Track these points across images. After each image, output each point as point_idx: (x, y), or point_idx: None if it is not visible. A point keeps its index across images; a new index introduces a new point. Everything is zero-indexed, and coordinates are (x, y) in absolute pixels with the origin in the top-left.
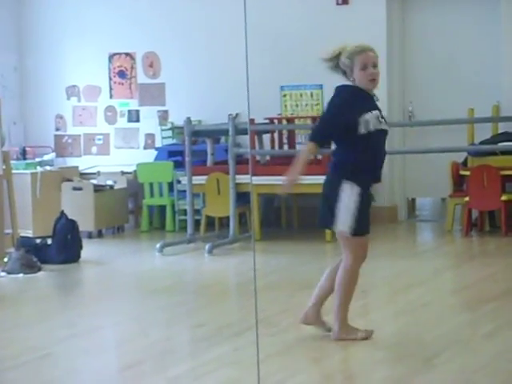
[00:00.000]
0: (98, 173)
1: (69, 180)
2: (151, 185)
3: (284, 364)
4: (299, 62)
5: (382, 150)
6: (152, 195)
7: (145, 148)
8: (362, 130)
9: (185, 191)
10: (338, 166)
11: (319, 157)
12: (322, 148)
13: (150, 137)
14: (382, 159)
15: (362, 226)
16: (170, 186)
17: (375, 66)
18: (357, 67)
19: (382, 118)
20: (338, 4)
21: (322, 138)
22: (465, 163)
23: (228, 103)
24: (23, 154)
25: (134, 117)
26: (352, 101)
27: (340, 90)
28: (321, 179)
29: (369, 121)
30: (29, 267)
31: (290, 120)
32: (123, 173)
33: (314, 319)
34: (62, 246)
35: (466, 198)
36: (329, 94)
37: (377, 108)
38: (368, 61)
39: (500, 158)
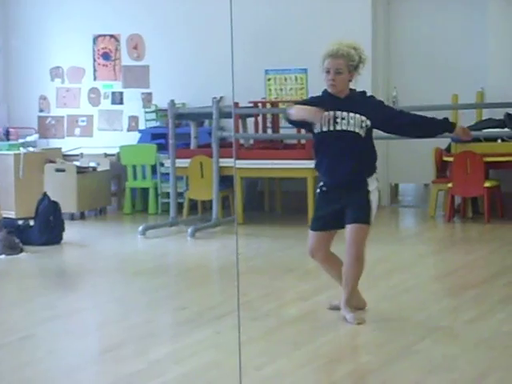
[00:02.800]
0: (81, 154)
1: (52, 161)
2: (134, 167)
3: (265, 348)
4: (284, 46)
5: (336, 150)
6: (135, 178)
7: (128, 130)
8: (316, 129)
9: (168, 174)
10: None
11: (303, 141)
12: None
13: (134, 119)
14: (339, 161)
15: (313, 221)
16: (153, 168)
17: (339, 72)
18: (322, 70)
19: (343, 119)
20: None
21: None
22: (448, 149)
23: (212, 86)
24: (6, 135)
25: (117, 99)
26: (314, 101)
27: None
28: (304, 164)
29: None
30: (11, 248)
31: (274, 104)
32: (106, 155)
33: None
34: (44, 227)
35: (449, 184)
36: (313, 78)
37: (341, 109)
38: (331, 66)
39: (483, 145)
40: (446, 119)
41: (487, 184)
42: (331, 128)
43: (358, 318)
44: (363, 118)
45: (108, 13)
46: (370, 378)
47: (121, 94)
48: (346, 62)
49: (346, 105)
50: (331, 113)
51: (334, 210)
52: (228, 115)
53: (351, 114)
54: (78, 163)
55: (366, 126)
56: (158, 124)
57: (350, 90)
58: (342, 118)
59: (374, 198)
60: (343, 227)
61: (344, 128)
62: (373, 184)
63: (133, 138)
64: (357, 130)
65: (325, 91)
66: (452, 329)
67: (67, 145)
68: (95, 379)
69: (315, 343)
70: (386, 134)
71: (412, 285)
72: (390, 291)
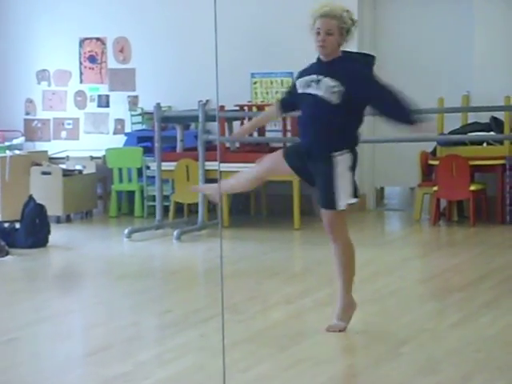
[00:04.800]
0: (67, 157)
1: (38, 164)
2: (120, 170)
3: (250, 351)
4: (270, 49)
5: (306, 113)
6: (121, 181)
7: (114, 133)
8: (298, 90)
9: (154, 177)
10: None
11: (289, 144)
12: (286, 112)
13: (120, 122)
14: (306, 125)
15: (289, 149)
16: (139, 171)
17: (329, 33)
18: (311, 30)
19: (317, 82)
20: None
21: (282, 100)
22: (434, 153)
23: (198, 90)
24: None
25: (103, 102)
26: (305, 69)
27: None
28: None
29: (299, 84)
30: None
31: (260, 107)
32: (92, 158)
33: None
34: (30, 230)
35: (435, 188)
36: None
37: (318, 73)
38: (321, 27)
39: (469, 148)
40: (414, 116)
41: (473, 187)
42: (305, 90)
43: (331, 326)
44: (336, 83)
45: (94, 16)
46: (355, 381)
47: (107, 96)
48: (337, 24)
49: (326, 68)
50: (313, 76)
51: (305, 166)
52: (214, 118)
53: (325, 79)
54: (64, 166)
55: (339, 91)
56: (144, 127)
57: (343, 52)
58: (316, 81)
59: (345, 180)
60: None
61: (313, 92)
62: (344, 162)
63: (119, 140)
64: (325, 96)
65: (317, 57)
66: (436, 332)
67: (53, 148)
68: (79, 382)
69: (300, 346)
70: (373, 138)
71: (397, 288)
72: (375, 294)
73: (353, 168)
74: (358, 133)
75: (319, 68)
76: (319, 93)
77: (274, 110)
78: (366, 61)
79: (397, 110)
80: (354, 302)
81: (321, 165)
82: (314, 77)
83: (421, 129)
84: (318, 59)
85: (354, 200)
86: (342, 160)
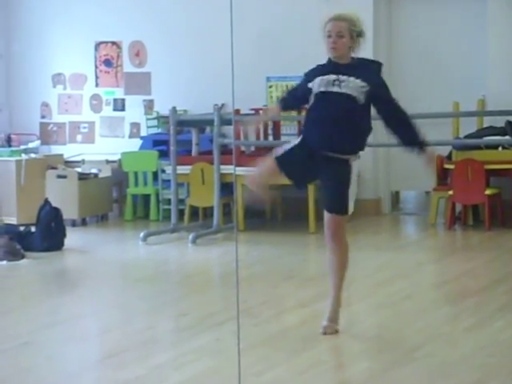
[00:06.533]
0: (83, 161)
1: (53, 168)
2: (136, 174)
3: (265, 355)
4: (285, 53)
5: (331, 112)
6: (136, 184)
7: (130, 137)
8: (314, 91)
9: (169, 181)
10: None
11: None
12: (285, 109)
13: (135, 126)
14: (328, 123)
15: (283, 155)
16: (155, 175)
17: (340, 35)
18: (324, 36)
19: (340, 81)
20: None
21: (283, 98)
22: (449, 157)
23: (214, 93)
24: (8, 142)
25: (119, 105)
26: (315, 69)
27: None
28: None
29: (316, 83)
30: (12, 255)
31: None
32: (108, 161)
33: None
34: (45, 233)
35: (450, 192)
36: None
37: (337, 73)
38: (332, 29)
39: (484, 152)
40: (422, 142)
41: (488, 191)
42: (329, 89)
43: (327, 328)
44: (363, 83)
45: (110, 20)
46: None
47: (122, 100)
48: (348, 26)
49: (345, 70)
50: (332, 76)
51: (306, 165)
52: (229, 122)
53: (351, 78)
54: (79, 170)
55: (366, 91)
56: (159, 131)
57: (352, 58)
58: (342, 81)
59: (354, 185)
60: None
61: (343, 91)
62: (356, 166)
63: (134, 144)
64: (355, 94)
65: (328, 59)
66: (451, 336)
67: (69, 151)
68: None
69: (315, 350)
70: (388, 142)
71: (412, 292)
72: (390, 298)
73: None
74: None
75: (336, 69)
76: (349, 92)
77: (274, 107)
78: (376, 67)
79: (409, 130)
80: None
81: (335, 167)
82: (334, 76)
83: (431, 157)
84: (331, 61)
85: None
86: (355, 164)
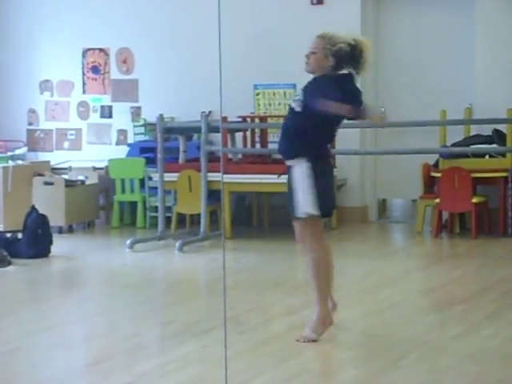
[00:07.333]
0: (70, 168)
1: (40, 175)
2: (123, 181)
3: (251, 362)
4: (273, 60)
5: (286, 125)
6: (123, 191)
7: (117, 144)
8: None
9: (156, 188)
10: None
11: None
12: None
13: (123, 133)
14: (283, 135)
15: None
16: (142, 182)
17: (313, 51)
18: None
19: (297, 96)
20: (312, 4)
21: None
22: (436, 165)
23: (201, 101)
24: None
25: (106, 112)
26: None
27: None
28: None
29: None
30: None
31: (262, 119)
32: (95, 168)
33: None
34: (32, 240)
35: (437, 200)
36: None
37: (304, 88)
38: (310, 45)
39: (471, 161)
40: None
41: (475, 200)
42: (291, 104)
43: (306, 336)
44: (300, 93)
45: (97, 26)
46: None
47: (110, 107)
48: (323, 44)
49: (307, 84)
50: (298, 92)
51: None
52: (217, 129)
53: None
54: (66, 176)
55: (302, 101)
56: (146, 138)
57: (329, 75)
58: (295, 96)
59: (301, 183)
60: None
61: (292, 105)
62: (300, 167)
63: (121, 151)
64: (293, 105)
65: None
66: (438, 344)
67: (56, 158)
68: None
69: (301, 357)
70: (375, 150)
71: (399, 300)
72: (377, 306)
73: (313, 177)
74: (322, 143)
75: (307, 84)
76: (292, 104)
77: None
78: (341, 79)
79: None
80: (330, 317)
81: (288, 173)
82: (300, 92)
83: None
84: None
85: (315, 212)
86: (300, 163)
